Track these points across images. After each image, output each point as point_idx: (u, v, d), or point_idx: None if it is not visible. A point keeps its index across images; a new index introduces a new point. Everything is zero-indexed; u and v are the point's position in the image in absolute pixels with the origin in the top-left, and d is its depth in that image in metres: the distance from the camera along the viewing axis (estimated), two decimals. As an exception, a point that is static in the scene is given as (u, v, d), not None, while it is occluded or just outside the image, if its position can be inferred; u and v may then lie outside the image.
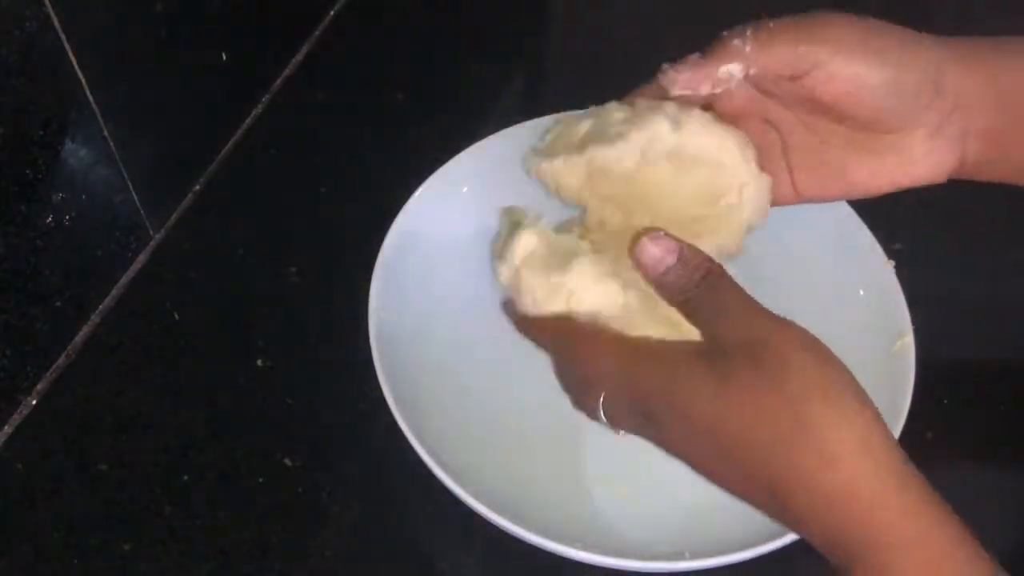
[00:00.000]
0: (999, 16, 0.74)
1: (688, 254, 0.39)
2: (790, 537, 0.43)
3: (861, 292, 0.55)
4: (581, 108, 0.57)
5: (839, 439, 0.33)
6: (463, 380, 0.54)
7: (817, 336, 0.37)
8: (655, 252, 0.39)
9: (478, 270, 0.58)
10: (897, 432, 0.46)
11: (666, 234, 0.40)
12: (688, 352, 0.37)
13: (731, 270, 0.56)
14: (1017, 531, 0.53)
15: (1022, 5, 0.72)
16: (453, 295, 0.56)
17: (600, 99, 0.57)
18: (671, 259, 0.39)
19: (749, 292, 0.40)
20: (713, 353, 0.36)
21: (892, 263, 0.54)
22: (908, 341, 0.50)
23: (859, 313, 0.54)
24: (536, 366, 0.48)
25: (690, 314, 0.39)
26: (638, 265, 0.40)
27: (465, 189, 0.58)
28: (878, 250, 0.55)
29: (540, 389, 0.49)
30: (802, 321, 0.56)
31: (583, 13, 0.82)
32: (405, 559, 0.50)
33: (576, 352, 0.41)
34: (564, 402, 0.46)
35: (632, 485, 0.51)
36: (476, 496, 0.45)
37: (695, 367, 0.36)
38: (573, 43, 0.80)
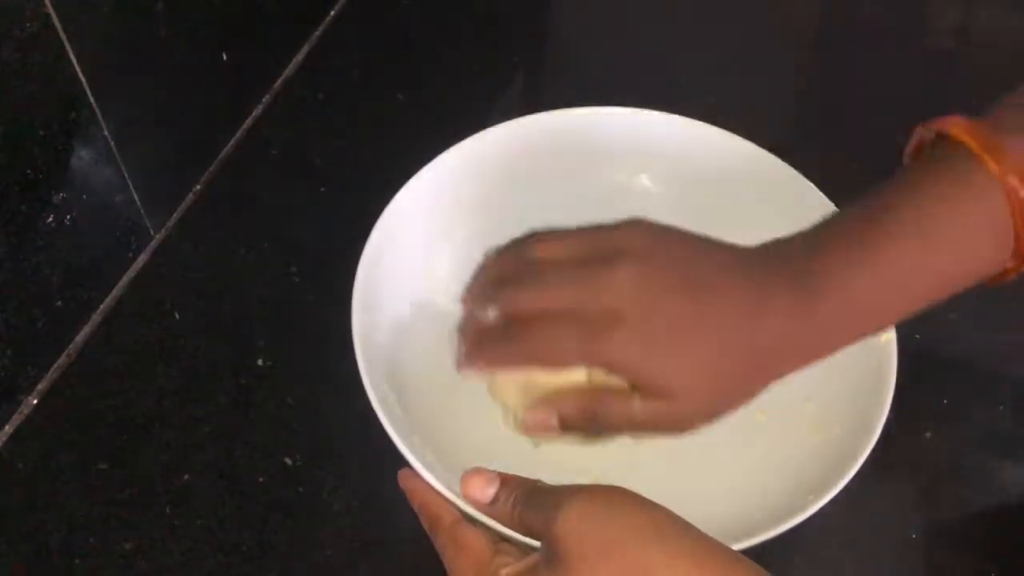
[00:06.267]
0: (999, 13, 0.74)
1: (508, 477, 0.41)
2: (762, 536, 0.43)
3: None
4: (581, 108, 0.57)
5: None
6: (452, 377, 0.54)
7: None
8: (479, 482, 0.41)
9: (467, 266, 0.58)
10: (880, 426, 0.46)
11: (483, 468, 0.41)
12: (536, 562, 0.37)
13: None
14: (1016, 531, 0.53)
15: (1022, 3, 0.73)
16: (439, 296, 0.57)
17: (599, 99, 0.57)
18: (494, 488, 0.41)
19: None
20: (550, 559, 0.36)
21: None
22: (890, 336, 0.50)
23: None
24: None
25: (527, 532, 0.39)
26: (467, 501, 0.41)
27: (449, 190, 0.58)
28: None
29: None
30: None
31: (583, 13, 0.82)
32: (405, 559, 0.50)
33: (444, 552, 0.42)
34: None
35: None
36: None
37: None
38: (573, 43, 0.80)
